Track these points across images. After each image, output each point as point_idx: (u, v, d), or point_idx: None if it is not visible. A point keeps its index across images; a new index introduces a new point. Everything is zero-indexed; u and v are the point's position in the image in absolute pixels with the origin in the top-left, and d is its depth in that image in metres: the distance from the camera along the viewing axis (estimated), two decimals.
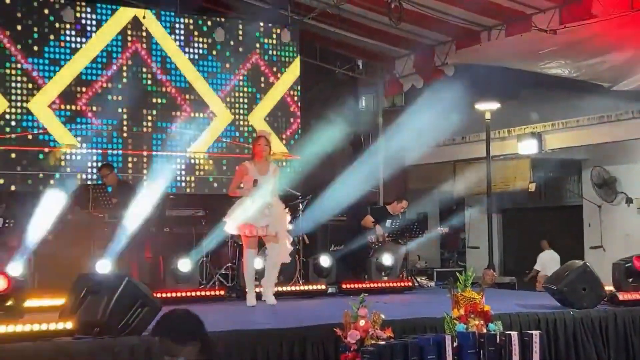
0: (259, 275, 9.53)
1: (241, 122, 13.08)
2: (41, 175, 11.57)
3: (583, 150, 14.37)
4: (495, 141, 14.29)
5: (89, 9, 12.09)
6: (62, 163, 11.67)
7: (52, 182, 11.47)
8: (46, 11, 11.82)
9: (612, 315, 7.13)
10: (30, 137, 11.52)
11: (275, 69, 13.44)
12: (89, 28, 12.05)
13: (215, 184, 12.76)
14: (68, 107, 11.85)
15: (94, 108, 12.00)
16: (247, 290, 8.21)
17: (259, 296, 8.23)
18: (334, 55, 14.87)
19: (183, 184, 12.53)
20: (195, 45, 12.88)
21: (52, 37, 11.81)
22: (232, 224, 8.13)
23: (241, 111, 13.12)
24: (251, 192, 7.97)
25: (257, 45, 13.32)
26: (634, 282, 8.24)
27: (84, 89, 11.98)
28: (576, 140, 13.67)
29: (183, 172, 12.53)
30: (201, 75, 12.85)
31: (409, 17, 11.50)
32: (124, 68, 12.31)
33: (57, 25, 11.83)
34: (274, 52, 13.47)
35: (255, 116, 13.18)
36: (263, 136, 8.31)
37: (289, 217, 8.36)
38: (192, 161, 12.68)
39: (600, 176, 14.49)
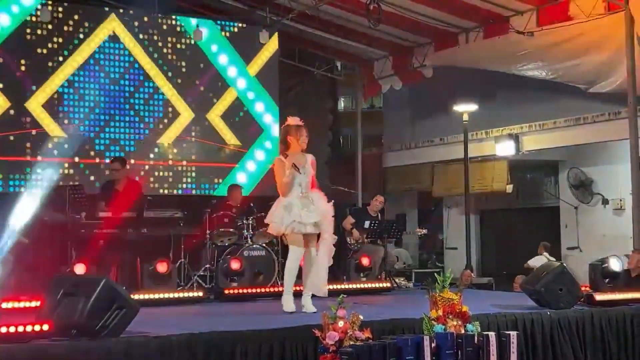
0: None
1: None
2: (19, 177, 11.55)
3: (560, 152, 14.47)
4: (473, 142, 14.36)
5: (61, 8, 12.06)
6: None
7: (28, 183, 11.42)
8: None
9: (589, 316, 7.18)
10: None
11: (251, 69, 13.44)
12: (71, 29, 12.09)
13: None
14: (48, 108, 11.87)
15: (68, 109, 11.98)
16: (284, 292, 7.39)
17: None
18: (313, 57, 14.89)
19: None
20: (173, 45, 12.85)
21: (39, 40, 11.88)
22: (276, 224, 7.38)
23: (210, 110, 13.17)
24: (291, 185, 7.31)
25: (235, 45, 13.31)
26: (610, 282, 8.32)
27: (58, 94, 11.97)
28: (553, 141, 13.76)
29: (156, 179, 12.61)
30: (177, 75, 12.86)
31: (387, 19, 11.53)
32: (101, 68, 12.26)
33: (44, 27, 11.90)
34: (252, 53, 13.45)
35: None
36: (304, 126, 7.56)
37: (332, 211, 7.51)
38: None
39: (577, 177, 14.60)
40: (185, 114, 12.92)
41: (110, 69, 12.36)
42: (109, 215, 9.37)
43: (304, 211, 7.23)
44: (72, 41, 12.11)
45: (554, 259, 13.12)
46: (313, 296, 7.36)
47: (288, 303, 7.30)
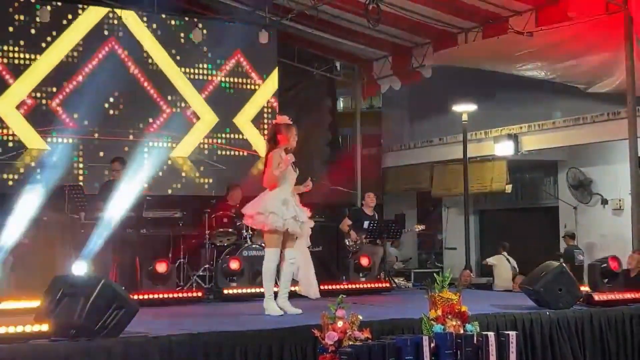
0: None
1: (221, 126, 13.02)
2: (15, 177, 11.50)
3: (559, 152, 14.47)
4: (472, 143, 14.36)
5: (64, 9, 12.02)
6: (34, 164, 11.54)
7: (27, 183, 11.39)
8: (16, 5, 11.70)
9: (588, 316, 7.19)
10: None
11: (252, 71, 13.42)
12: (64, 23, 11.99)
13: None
14: (40, 107, 11.71)
15: (68, 108, 11.88)
16: (266, 296, 7.18)
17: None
18: (312, 57, 14.87)
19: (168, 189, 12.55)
20: (172, 46, 12.81)
21: (21, 34, 11.68)
22: (276, 217, 7.04)
23: (221, 114, 13.09)
24: (281, 179, 7.12)
25: (235, 46, 13.29)
26: (609, 282, 8.33)
27: (56, 89, 11.85)
28: (552, 141, 13.76)
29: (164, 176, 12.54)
30: (178, 76, 12.82)
31: (387, 19, 11.53)
32: (100, 67, 12.17)
33: (26, 22, 11.72)
34: (252, 54, 13.43)
35: (239, 120, 13.17)
36: (294, 126, 7.35)
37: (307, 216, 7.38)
38: (175, 166, 12.67)
39: (576, 177, 14.60)
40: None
41: (110, 66, 12.26)
42: (109, 215, 9.36)
43: (297, 209, 7.16)
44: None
45: (512, 258, 13.30)
46: (294, 297, 7.31)
47: (272, 307, 7.11)
